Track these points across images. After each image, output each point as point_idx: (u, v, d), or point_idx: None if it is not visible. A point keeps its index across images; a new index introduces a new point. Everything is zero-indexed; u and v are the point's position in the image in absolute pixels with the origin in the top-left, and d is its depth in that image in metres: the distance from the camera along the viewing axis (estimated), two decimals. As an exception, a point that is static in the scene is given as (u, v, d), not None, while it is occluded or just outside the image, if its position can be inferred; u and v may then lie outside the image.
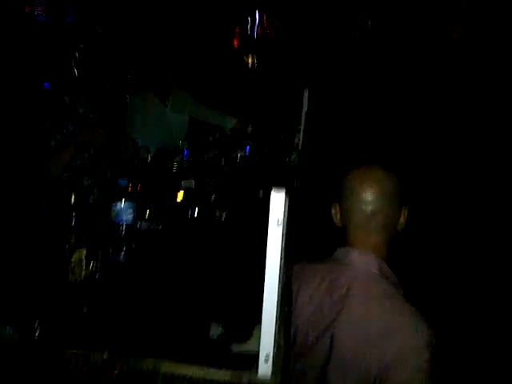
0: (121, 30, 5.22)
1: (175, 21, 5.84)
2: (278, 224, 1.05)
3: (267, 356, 1.12)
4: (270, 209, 1.05)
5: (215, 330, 1.38)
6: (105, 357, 1.30)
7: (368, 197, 1.52)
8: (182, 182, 2.34)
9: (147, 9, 5.85)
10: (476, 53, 5.98)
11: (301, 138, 2.97)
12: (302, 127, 2.96)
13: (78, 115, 2.59)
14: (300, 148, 2.97)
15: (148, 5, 5.90)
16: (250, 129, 3.45)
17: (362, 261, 1.55)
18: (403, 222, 1.58)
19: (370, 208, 1.52)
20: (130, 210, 1.82)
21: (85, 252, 1.73)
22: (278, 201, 1.05)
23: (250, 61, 7.78)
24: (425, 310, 1.47)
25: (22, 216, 2.58)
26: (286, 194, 1.04)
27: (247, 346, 1.31)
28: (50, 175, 2.42)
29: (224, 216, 2.10)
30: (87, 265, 1.73)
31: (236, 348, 1.32)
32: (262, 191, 2.30)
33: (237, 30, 8.17)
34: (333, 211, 1.65)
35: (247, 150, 2.96)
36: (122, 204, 1.81)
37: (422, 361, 1.35)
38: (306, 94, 3.11)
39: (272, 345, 1.12)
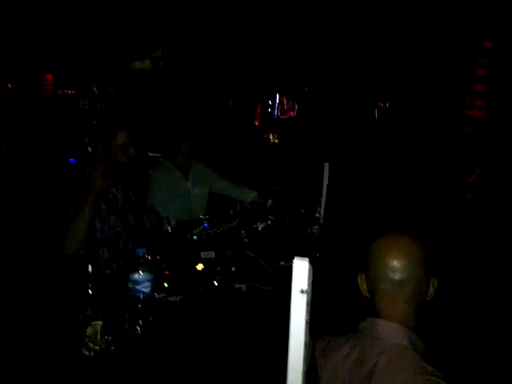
0: (145, 106, 5.41)
1: (198, 97, 6.02)
2: (301, 293, 1.00)
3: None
4: (293, 278, 1.01)
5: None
6: None
7: (396, 266, 1.46)
8: (202, 254, 2.31)
9: (172, 85, 6.05)
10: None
11: (322, 211, 2.96)
12: (323, 200, 2.95)
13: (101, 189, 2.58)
14: (322, 221, 2.95)
15: (173, 81, 6.11)
16: (269, 202, 3.45)
17: (389, 332, 1.48)
18: (432, 292, 1.52)
19: (397, 277, 1.46)
20: (148, 281, 1.78)
21: (100, 324, 1.69)
22: (301, 270, 1.01)
23: (270, 137, 7.94)
24: (455, 377, 1.39)
25: (41, 286, 2.56)
26: (309, 263, 1.00)
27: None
28: (67, 253, 2.33)
29: (244, 288, 2.04)
30: (102, 338, 1.68)
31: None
32: (283, 262, 2.25)
33: (258, 109, 8.40)
34: (359, 280, 1.59)
35: (268, 223, 2.94)
36: (140, 274, 1.77)
37: None
38: (326, 168, 3.13)
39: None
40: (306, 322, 1.02)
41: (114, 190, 2.62)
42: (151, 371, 1.63)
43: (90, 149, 2.57)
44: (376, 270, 1.51)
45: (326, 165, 3.15)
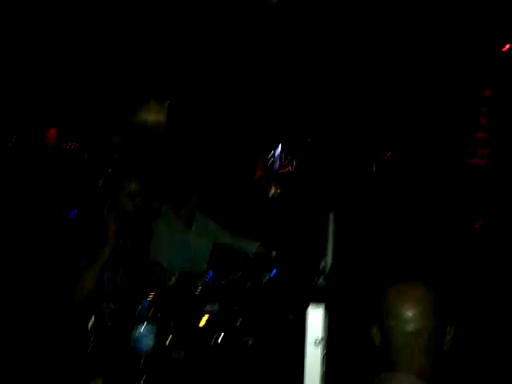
0: (153, 156, 5.44)
1: (199, 149, 6.06)
2: (316, 344, 0.94)
3: None
4: (308, 328, 0.95)
5: None
6: None
7: (409, 317, 1.40)
8: (207, 306, 2.24)
9: (179, 136, 6.11)
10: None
11: (328, 261, 2.89)
12: (329, 250, 2.89)
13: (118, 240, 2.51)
14: (328, 271, 2.88)
15: (180, 133, 6.18)
16: (274, 253, 3.40)
17: None
18: (449, 341, 1.45)
19: (411, 329, 1.40)
20: (151, 335, 1.71)
21: (101, 381, 1.61)
22: (315, 319, 0.95)
23: (272, 189, 7.95)
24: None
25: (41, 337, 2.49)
26: (325, 311, 0.95)
27: None
28: (74, 303, 2.30)
29: (250, 342, 1.96)
30: (103, 397, 1.60)
31: None
32: (291, 315, 2.18)
33: (259, 161, 8.45)
34: (372, 332, 1.52)
35: (272, 274, 2.87)
36: (143, 328, 1.70)
37: None
38: (331, 217, 3.08)
39: None
40: (322, 374, 0.95)
41: (121, 241, 2.58)
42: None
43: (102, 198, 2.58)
44: (388, 322, 1.45)
45: (331, 214, 3.11)
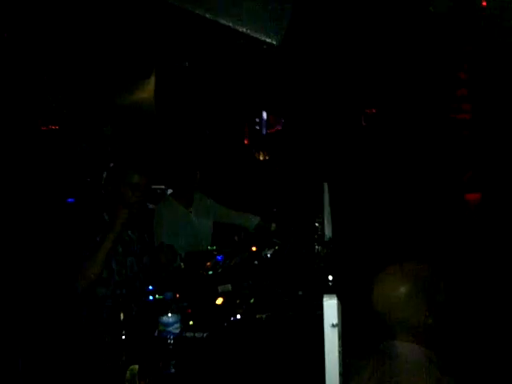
0: (149, 141, 5.51)
1: (193, 128, 6.12)
2: (332, 326, 1.11)
3: None
4: (324, 315, 1.12)
5: None
6: None
7: (403, 296, 1.57)
8: (219, 288, 2.41)
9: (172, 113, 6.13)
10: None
11: (326, 229, 3.04)
12: (326, 219, 3.04)
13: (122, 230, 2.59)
14: (327, 239, 3.03)
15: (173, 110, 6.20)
16: (274, 225, 3.56)
17: (408, 352, 1.58)
18: (442, 308, 1.62)
19: (406, 305, 1.57)
20: (177, 323, 1.89)
21: (137, 368, 1.78)
22: (330, 307, 1.12)
23: (260, 156, 8.03)
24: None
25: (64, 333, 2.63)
26: (337, 300, 1.12)
27: None
28: (79, 290, 2.42)
29: (265, 318, 2.15)
30: (141, 381, 1.77)
31: None
32: (300, 290, 2.36)
33: (246, 129, 8.50)
34: (373, 302, 1.69)
35: (275, 248, 3.04)
36: (170, 317, 1.87)
37: None
38: (325, 188, 3.22)
39: None
40: (339, 353, 1.13)
41: (130, 232, 2.71)
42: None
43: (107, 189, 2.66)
44: (384, 299, 1.62)
45: (326, 185, 3.25)
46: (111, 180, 2.67)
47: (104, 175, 2.75)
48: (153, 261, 2.77)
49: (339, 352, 1.12)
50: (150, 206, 4.37)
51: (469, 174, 5.94)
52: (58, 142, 5.49)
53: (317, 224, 3.19)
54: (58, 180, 4.95)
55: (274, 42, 1.74)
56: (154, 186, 5.06)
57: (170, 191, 4.20)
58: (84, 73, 5.80)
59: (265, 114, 9.35)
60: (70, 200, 5.18)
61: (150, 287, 2.48)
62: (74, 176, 4.96)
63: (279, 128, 9.05)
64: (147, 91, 6.41)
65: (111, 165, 2.78)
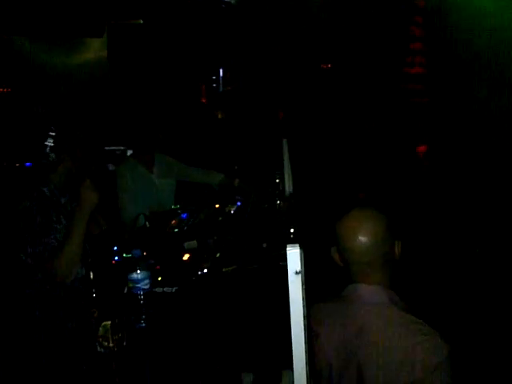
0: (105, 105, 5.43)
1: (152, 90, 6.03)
2: (296, 273, 1.20)
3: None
4: (288, 264, 1.20)
5: (247, 379, 1.50)
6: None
7: (361, 243, 1.66)
8: (185, 244, 2.47)
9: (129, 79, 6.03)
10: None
11: (287, 186, 3.12)
12: (286, 175, 3.12)
13: (61, 206, 2.44)
14: (287, 194, 3.12)
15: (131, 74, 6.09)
16: (236, 181, 3.62)
17: (370, 294, 1.69)
18: (398, 255, 1.73)
19: (365, 252, 1.66)
20: (147, 279, 1.95)
21: (110, 324, 1.85)
22: (293, 256, 1.20)
23: (220, 115, 8.00)
24: (436, 326, 1.62)
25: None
26: (300, 249, 1.20)
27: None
28: (62, 279, 2.21)
29: (231, 271, 2.23)
30: (113, 336, 1.84)
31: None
32: (264, 243, 2.45)
33: (203, 87, 8.40)
34: (332, 254, 1.78)
35: (238, 204, 3.11)
36: (139, 274, 1.93)
37: (445, 375, 1.50)
38: (285, 144, 3.29)
39: (305, 384, 1.24)
40: (303, 299, 1.22)
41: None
42: (160, 360, 1.80)
43: (53, 156, 2.56)
44: (344, 247, 1.71)
45: (285, 141, 3.31)
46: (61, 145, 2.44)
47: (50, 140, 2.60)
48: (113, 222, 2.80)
49: (303, 298, 1.21)
50: (111, 167, 4.37)
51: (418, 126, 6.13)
52: (13, 105, 5.36)
53: (277, 180, 3.27)
54: (15, 144, 4.85)
55: (232, 1, 1.76)
56: (113, 148, 5.04)
57: (129, 152, 4.20)
58: (37, 33, 5.63)
59: (221, 72, 9.26)
60: (27, 164, 5.11)
61: (115, 248, 2.52)
62: (30, 140, 4.86)
63: (236, 85, 8.99)
64: (97, 50, 6.29)
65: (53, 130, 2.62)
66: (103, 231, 2.75)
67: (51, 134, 2.45)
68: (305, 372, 1.24)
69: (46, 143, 2.45)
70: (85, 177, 2.35)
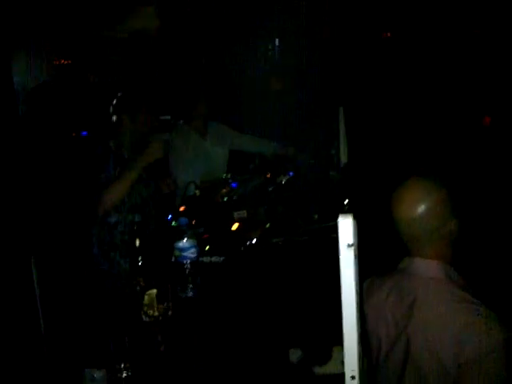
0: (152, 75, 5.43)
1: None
2: (348, 247, 1.10)
3: (353, 375, 1.16)
4: (339, 235, 1.10)
5: (294, 355, 1.43)
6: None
7: (406, 214, 1.55)
8: (235, 214, 2.41)
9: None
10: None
11: (342, 155, 3.00)
12: (342, 144, 2.99)
13: (124, 160, 2.65)
14: (342, 165, 3.00)
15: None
16: (291, 150, 3.52)
17: (426, 268, 1.58)
18: (453, 234, 1.60)
19: (411, 225, 1.55)
20: (193, 248, 1.90)
21: (155, 292, 1.81)
22: (346, 227, 1.10)
23: (274, 84, 7.87)
24: (495, 307, 1.49)
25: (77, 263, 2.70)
26: (353, 219, 1.09)
27: (328, 368, 1.35)
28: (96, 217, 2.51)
29: (280, 242, 2.16)
30: (159, 305, 1.81)
31: (317, 370, 1.36)
32: (316, 214, 2.35)
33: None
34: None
35: (290, 174, 3.02)
36: (185, 242, 1.88)
37: (498, 362, 1.38)
38: (341, 112, 3.15)
39: (356, 363, 1.16)
40: (355, 273, 1.12)
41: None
42: (206, 331, 1.76)
43: (114, 119, 2.67)
44: (394, 222, 1.60)
45: (341, 109, 3.17)
46: (118, 109, 2.68)
47: (112, 105, 2.73)
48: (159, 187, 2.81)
49: (355, 272, 1.11)
50: (165, 137, 4.34)
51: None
52: (68, 76, 5.44)
53: (333, 151, 3.15)
54: (71, 114, 4.93)
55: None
56: (166, 117, 5.02)
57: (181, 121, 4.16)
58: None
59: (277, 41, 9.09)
60: (83, 133, 5.19)
61: (169, 216, 2.52)
62: (85, 109, 4.92)
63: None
64: (148, 18, 6.27)
65: (119, 94, 2.75)
66: (171, 192, 2.99)
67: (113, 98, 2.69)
68: (356, 349, 1.16)
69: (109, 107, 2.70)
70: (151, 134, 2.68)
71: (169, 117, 4.79)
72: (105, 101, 2.80)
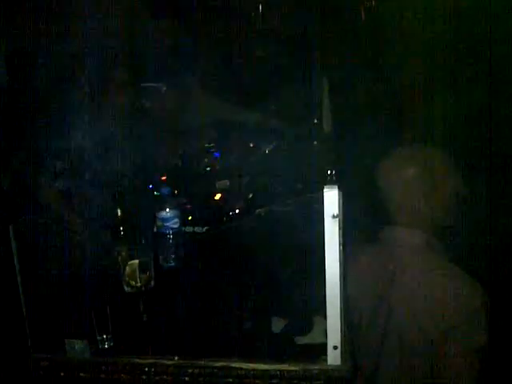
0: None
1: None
2: (333, 217, 1.09)
3: (336, 345, 1.17)
4: (325, 206, 1.09)
5: (277, 325, 1.43)
6: (175, 361, 1.36)
7: (391, 182, 1.56)
8: (216, 184, 2.39)
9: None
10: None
11: (325, 124, 2.97)
12: (325, 113, 2.96)
13: None
14: (325, 134, 2.97)
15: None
16: (274, 121, 3.48)
17: (406, 237, 1.60)
18: (440, 205, 1.60)
19: (409, 188, 1.56)
20: (176, 218, 1.88)
21: (137, 263, 1.79)
22: (331, 198, 1.09)
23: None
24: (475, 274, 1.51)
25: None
26: (338, 190, 1.08)
27: (311, 337, 1.36)
28: None
29: (264, 213, 2.14)
30: (141, 275, 1.79)
31: (300, 340, 1.37)
32: (299, 184, 2.33)
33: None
34: (377, 187, 1.67)
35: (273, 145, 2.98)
36: (168, 212, 1.86)
37: (483, 322, 1.41)
38: (325, 81, 3.11)
39: (339, 333, 1.16)
40: (340, 244, 1.12)
41: None
42: (188, 301, 1.75)
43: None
44: (386, 190, 1.60)
45: (325, 78, 3.14)
46: None
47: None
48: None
49: (339, 243, 1.11)
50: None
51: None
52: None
53: (316, 120, 3.12)
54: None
55: None
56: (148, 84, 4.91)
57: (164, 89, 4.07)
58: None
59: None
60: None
61: (150, 186, 2.48)
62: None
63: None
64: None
65: None
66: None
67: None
68: (339, 319, 1.16)
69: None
70: None
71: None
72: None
